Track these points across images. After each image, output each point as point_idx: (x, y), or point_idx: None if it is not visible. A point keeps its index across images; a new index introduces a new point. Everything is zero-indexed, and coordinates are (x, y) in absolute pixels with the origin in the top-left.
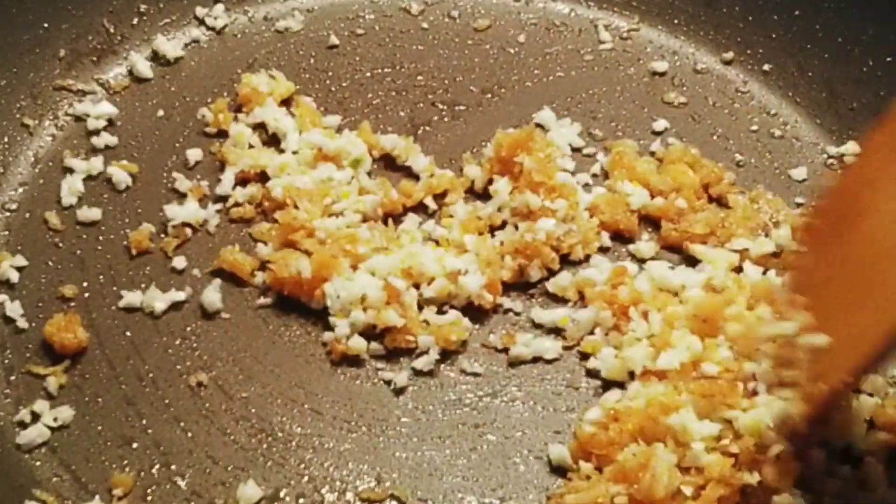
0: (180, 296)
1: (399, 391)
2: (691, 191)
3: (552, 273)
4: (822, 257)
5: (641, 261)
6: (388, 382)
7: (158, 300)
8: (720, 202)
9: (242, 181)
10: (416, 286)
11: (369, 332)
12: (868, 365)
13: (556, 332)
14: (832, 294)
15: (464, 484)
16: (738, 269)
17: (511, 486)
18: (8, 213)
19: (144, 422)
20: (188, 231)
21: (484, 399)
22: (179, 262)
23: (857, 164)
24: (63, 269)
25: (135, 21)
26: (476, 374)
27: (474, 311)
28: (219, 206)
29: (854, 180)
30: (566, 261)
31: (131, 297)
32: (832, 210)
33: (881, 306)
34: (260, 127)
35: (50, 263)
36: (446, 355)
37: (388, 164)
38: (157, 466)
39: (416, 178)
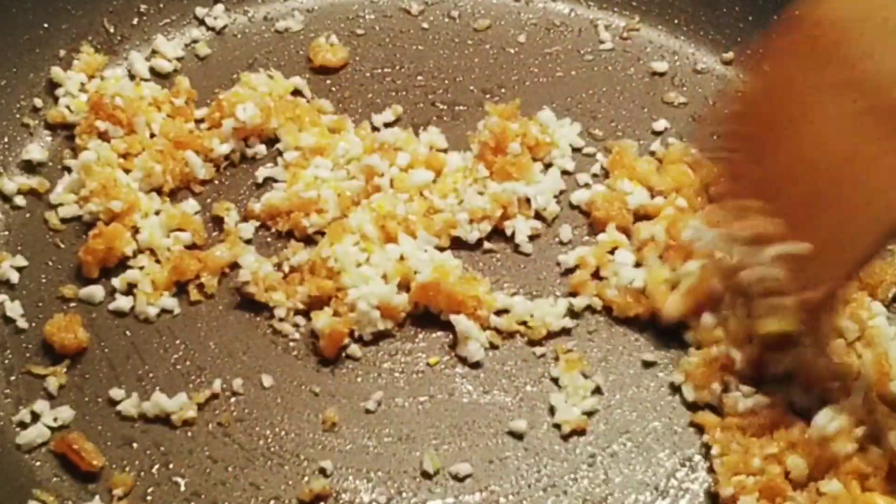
0: (170, 303)
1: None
2: (691, 190)
3: None
4: (763, 164)
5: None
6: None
7: (150, 307)
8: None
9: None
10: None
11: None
12: (859, 268)
13: None
14: (794, 200)
15: None
16: None
17: None
18: (8, 213)
19: (144, 422)
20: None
21: None
22: None
23: (768, 73)
24: (63, 269)
25: (135, 21)
26: None
27: None
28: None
29: (772, 89)
30: None
31: (122, 301)
32: (757, 117)
33: (865, 209)
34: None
35: (50, 263)
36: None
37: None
38: (157, 466)
39: None
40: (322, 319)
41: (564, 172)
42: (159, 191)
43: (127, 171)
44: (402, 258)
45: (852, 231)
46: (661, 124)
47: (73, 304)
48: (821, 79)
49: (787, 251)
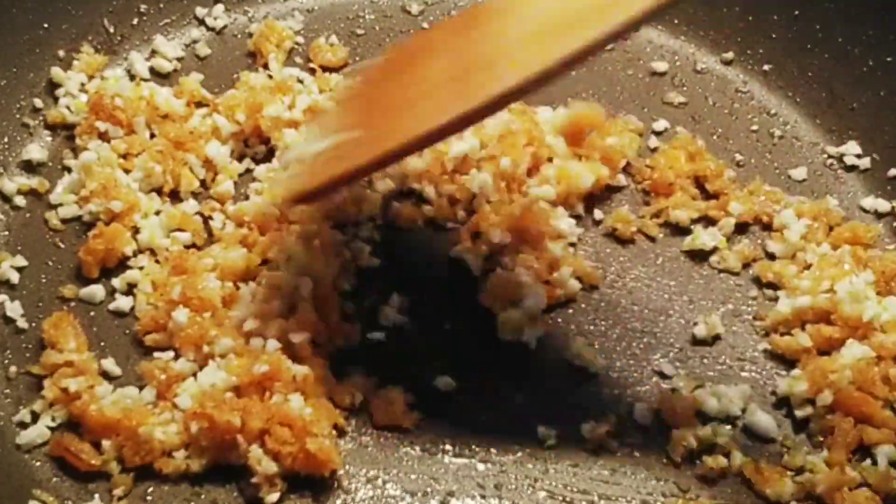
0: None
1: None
2: (681, 176)
3: None
4: (375, 87)
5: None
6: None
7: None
8: (719, 198)
9: None
10: None
11: None
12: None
13: None
14: (374, 110)
15: None
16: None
17: None
18: (8, 213)
19: None
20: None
21: None
22: None
23: (425, 35)
24: (63, 269)
25: (135, 21)
26: None
27: None
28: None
29: (418, 46)
30: None
31: (122, 301)
32: (398, 56)
33: (402, 123)
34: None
35: (50, 263)
36: None
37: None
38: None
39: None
40: None
41: None
42: (159, 191)
43: (127, 172)
44: None
45: (387, 134)
46: (661, 124)
47: (72, 304)
48: (456, 39)
49: (343, 138)
